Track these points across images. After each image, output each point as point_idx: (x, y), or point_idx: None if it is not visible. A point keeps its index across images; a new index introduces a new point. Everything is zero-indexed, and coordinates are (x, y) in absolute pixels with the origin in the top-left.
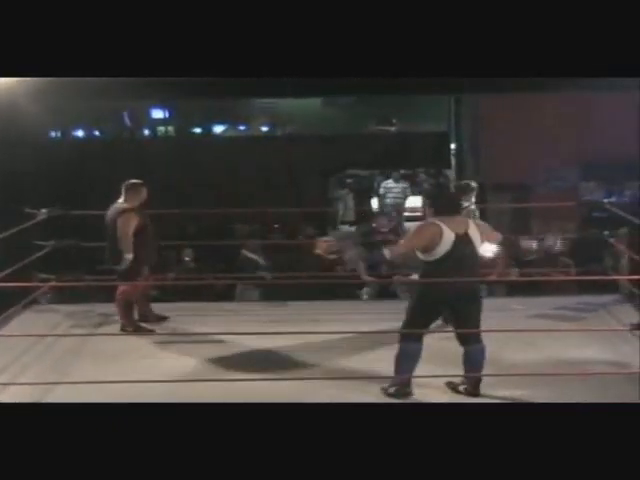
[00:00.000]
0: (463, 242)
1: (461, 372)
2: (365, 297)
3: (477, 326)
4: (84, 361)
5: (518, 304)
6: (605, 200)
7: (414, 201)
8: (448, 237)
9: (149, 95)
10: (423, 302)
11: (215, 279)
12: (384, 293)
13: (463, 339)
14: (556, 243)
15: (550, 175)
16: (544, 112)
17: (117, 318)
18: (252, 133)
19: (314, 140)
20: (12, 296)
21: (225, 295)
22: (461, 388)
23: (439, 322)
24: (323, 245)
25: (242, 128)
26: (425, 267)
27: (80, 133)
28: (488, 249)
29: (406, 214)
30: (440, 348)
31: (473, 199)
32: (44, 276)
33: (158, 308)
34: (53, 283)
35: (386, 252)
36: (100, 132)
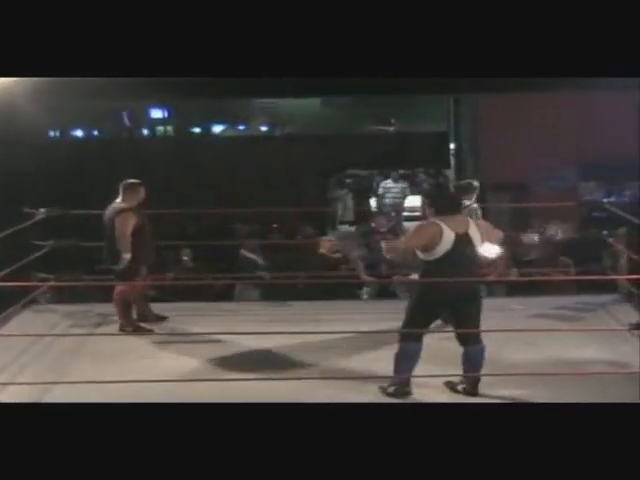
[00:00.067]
0: (463, 242)
1: (460, 372)
2: (365, 297)
3: (477, 326)
4: (83, 361)
5: (518, 304)
6: (604, 200)
7: (413, 201)
8: (448, 236)
9: (148, 95)
10: (423, 302)
11: (214, 279)
12: (384, 293)
13: (463, 339)
14: (557, 232)
15: (549, 175)
16: (543, 112)
17: (116, 318)
18: (251, 133)
19: (313, 140)
20: (11, 296)
21: (224, 295)
22: (460, 388)
23: (438, 322)
24: (327, 244)
25: (241, 128)
26: (425, 266)
27: (79, 133)
28: (490, 250)
29: (405, 214)
30: (439, 348)
31: (474, 198)
32: (43, 276)
33: (157, 308)
34: (52, 283)
35: (385, 249)
36: (99, 132)
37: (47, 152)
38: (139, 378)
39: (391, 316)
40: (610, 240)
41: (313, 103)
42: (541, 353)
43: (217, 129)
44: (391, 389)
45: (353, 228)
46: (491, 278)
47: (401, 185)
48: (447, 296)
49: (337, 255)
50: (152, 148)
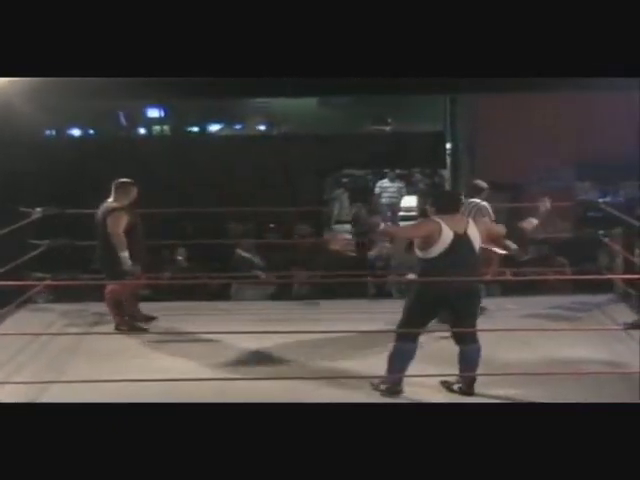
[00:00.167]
0: (461, 241)
1: (456, 371)
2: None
3: (473, 325)
4: (79, 360)
5: (513, 304)
6: (600, 200)
7: (409, 201)
8: (447, 235)
9: (145, 95)
10: (420, 301)
11: (209, 278)
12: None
13: (459, 338)
14: (546, 205)
15: (545, 175)
16: (540, 112)
17: (111, 317)
18: (248, 132)
19: (310, 140)
20: (7, 295)
21: (220, 294)
22: (455, 387)
23: (434, 322)
24: (341, 241)
25: (238, 127)
26: (423, 265)
27: (76, 132)
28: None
29: (401, 214)
30: (435, 347)
31: (484, 197)
32: (39, 275)
33: (153, 307)
34: (47, 282)
35: (380, 230)
36: (95, 131)
37: (43, 151)
38: (135, 377)
39: (390, 316)
40: (606, 240)
41: (310, 103)
42: (536, 353)
43: (214, 128)
44: (383, 387)
45: (349, 227)
46: (488, 278)
47: (397, 185)
48: (444, 295)
49: (351, 254)
50: (149, 147)
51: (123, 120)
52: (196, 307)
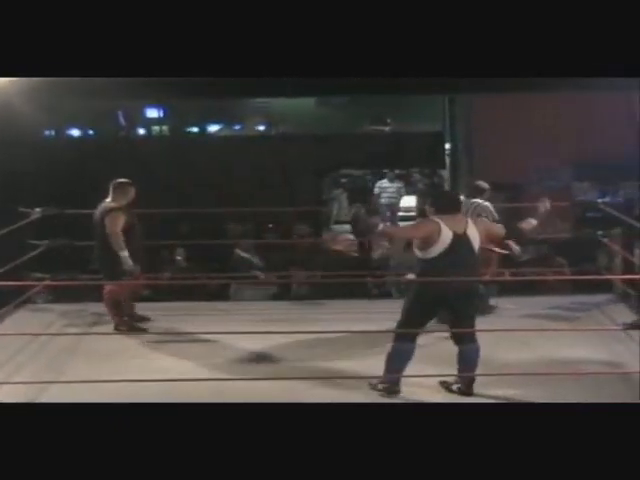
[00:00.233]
0: (461, 241)
1: (455, 371)
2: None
3: (472, 325)
4: (78, 360)
5: (512, 304)
6: (599, 200)
7: (409, 201)
8: (446, 235)
9: (145, 95)
10: (419, 301)
11: (208, 278)
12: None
13: (458, 338)
14: (545, 205)
15: (544, 175)
16: (539, 112)
17: (110, 318)
18: (247, 133)
19: (308, 140)
20: (6, 295)
21: (219, 294)
22: (454, 387)
23: (433, 322)
24: (344, 241)
25: (237, 128)
26: (422, 265)
27: (75, 132)
28: (531, 222)
29: (400, 214)
30: (434, 348)
31: (486, 197)
32: (38, 275)
33: (152, 308)
34: (47, 282)
35: (379, 231)
36: (94, 131)
37: (43, 152)
38: (134, 377)
39: (389, 316)
40: (605, 240)
41: (308, 103)
42: (535, 353)
43: (213, 129)
44: (380, 386)
45: (348, 228)
46: (486, 278)
47: (397, 185)
48: (443, 295)
49: (354, 254)
50: (148, 148)
51: (122, 120)
52: (195, 307)
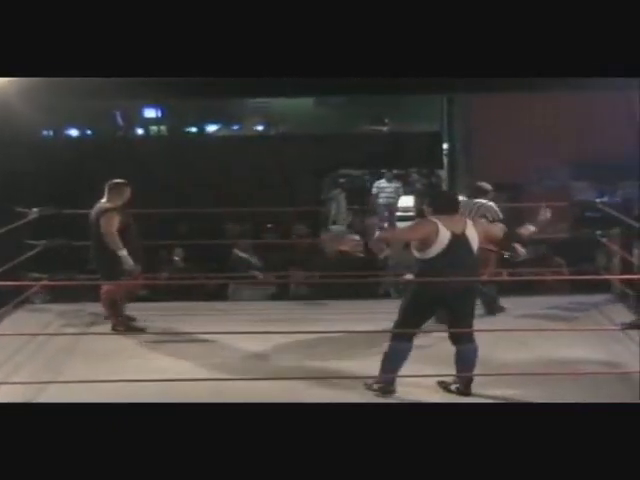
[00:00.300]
0: (459, 242)
1: (453, 371)
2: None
3: (470, 325)
4: (76, 360)
5: (510, 304)
6: (597, 200)
7: (407, 201)
8: (444, 236)
9: (143, 95)
10: (417, 301)
11: (207, 278)
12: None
13: (456, 338)
14: (546, 214)
15: (542, 175)
16: (537, 112)
17: (107, 317)
18: (245, 133)
19: (307, 140)
20: (4, 295)
21: (217, 295)
22: (453, 387)
23: (431, 322)
24: (350, 242)
25: (235, 128)
26: (420, 265)
27: (73, 132)
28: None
29: (399, 214)
30: (432, 347)
31: (489, 198)
32: (36, 275)
33: (150, 308)
34: (44, 282)
35: (375, 238)
36: (93, 131)
37: (41, 152)
38: (132, 378)
39: (388, 316)
40: (603, 240)
41: (306, 103)
42: (533, 353)
43: (211, 129)
44: (376, 386)
45: (346, 227)
46: (484, 278)
47: (395, 185)
48: (441, 295)
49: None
50: (145, 148)
51: (120, 120)
52: (193, 307)
